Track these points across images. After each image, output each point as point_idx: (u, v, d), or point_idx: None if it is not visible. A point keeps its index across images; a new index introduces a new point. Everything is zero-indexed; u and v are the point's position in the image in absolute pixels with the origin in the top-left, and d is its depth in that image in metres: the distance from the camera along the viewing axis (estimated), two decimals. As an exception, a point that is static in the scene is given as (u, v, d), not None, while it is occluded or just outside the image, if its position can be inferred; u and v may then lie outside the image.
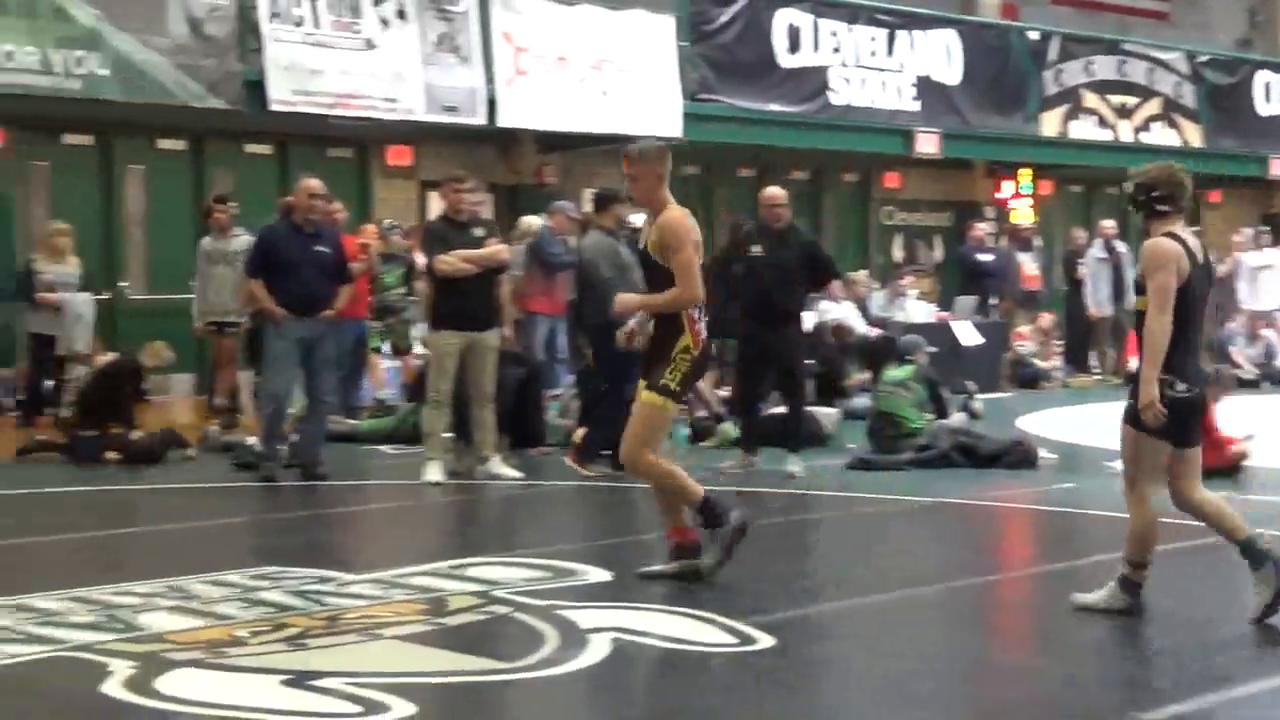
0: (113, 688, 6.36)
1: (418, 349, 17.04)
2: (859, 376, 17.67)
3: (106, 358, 15.37)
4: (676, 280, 8.50)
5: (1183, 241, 7.65)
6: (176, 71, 17.54)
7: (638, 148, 8.84)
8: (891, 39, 23.96)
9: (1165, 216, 7.73)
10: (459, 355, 12.70)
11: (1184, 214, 7.79)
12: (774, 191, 13.71)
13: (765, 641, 7.16)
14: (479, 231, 12.90)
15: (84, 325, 16.24)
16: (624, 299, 8.88)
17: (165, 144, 20.22)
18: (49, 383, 16.53)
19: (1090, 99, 26.45)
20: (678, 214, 8.66)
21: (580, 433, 13.62)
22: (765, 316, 13.24)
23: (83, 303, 16.29)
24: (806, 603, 8.27)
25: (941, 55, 24.59)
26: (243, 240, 15.47)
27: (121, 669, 6.60)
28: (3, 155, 18.91)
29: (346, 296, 13.46)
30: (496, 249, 12.87)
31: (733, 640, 7.23)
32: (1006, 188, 26.54)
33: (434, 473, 12.60)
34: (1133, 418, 7.61)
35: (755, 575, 9.18)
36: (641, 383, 8.58)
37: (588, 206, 16.50)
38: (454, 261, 12.56)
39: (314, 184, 13.06)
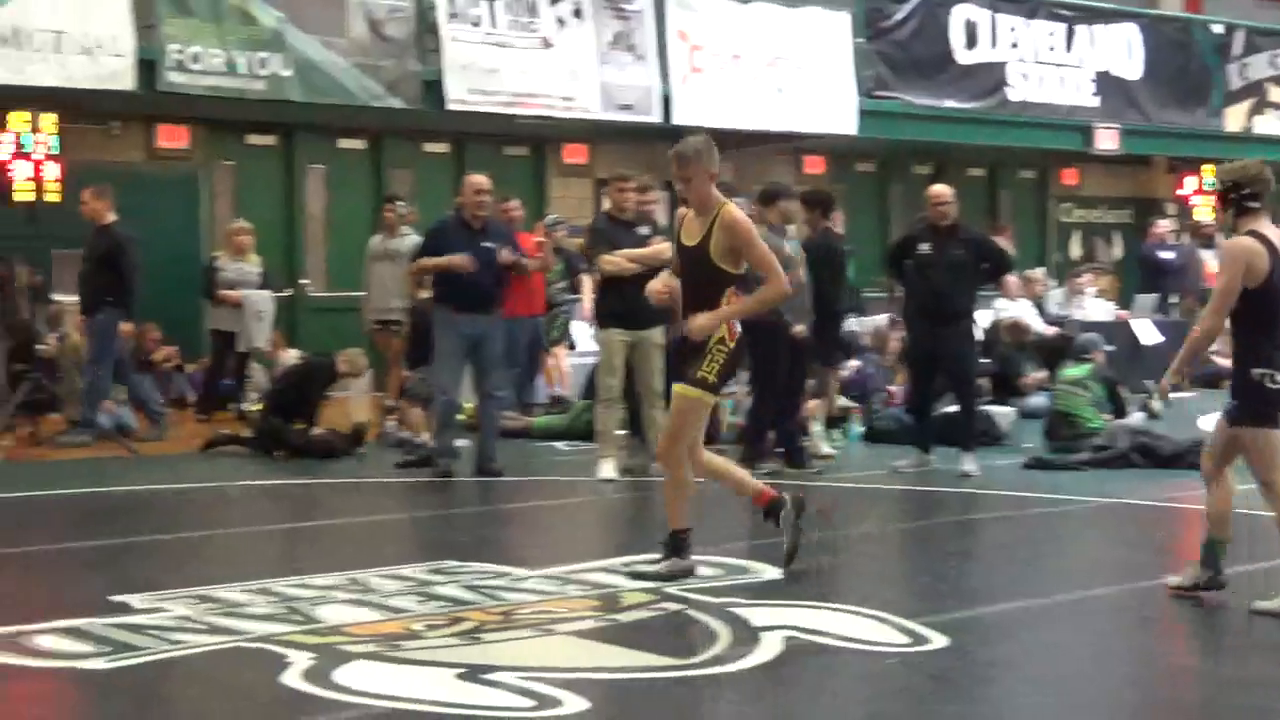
0: (291, 678, 6.47)
1: (584, 344, 17.17)
2: (1035, 375, 17.46)
3: (291, 354, 15.60)
4: (764, 276, 8.52)
5: (1265, 238, 7.82)
6: (356, 72, 17.79)
7: (690, 146, 8.70)
8: (1071, 34, 23.67)
9: (1253, 213, 7.93)
10: (626, 353, 12.75)
11: (1269, 210, 7.99)
12: (939, 189, 13.61)
13: (939, 642, 7.12)
14: (643, 230, 12.95)
15: (264, 322, 16.51)
16: (703, 323, 8.46)
17: (345, 143, 20.53)
18: (227, 380, 16.85)
19: (1276, 93, 25.94)
20: (737, 210, 8.60)
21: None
22: (934, 315, 13.16)
23: (263, 300, 16.57)
24: (981, 603, 8.20)
25: (1122, 49, 24.25)
26: (410, 240, 15.67)
27: (300, 660, 6.71)
28: (189, 155, 19.31)
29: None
30: (660, 247, 12.87)
31: (906, 640, 7.19)
32: (1189, 184, 26.12)
33: (607, 470, 12.65)
34: (1235, 418, 7.94)
35: (929, 575, 9.16)
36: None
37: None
38: (618, 261, 12.61)
39: (479, 180, 13.14)
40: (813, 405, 14.20)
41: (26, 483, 12.48)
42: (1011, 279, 19.73)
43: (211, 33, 16.84)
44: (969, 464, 13.02)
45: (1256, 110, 25.72)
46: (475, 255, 12.82)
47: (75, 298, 17.12)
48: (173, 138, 19.18)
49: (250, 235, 17.10)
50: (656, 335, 12.78)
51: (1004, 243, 16.85)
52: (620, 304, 12.66)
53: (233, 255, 16.87)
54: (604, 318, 12.87)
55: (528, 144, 21.65)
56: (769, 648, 7.00)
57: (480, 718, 5.98)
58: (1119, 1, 25.10)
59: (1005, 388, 17.28)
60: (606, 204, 13.52)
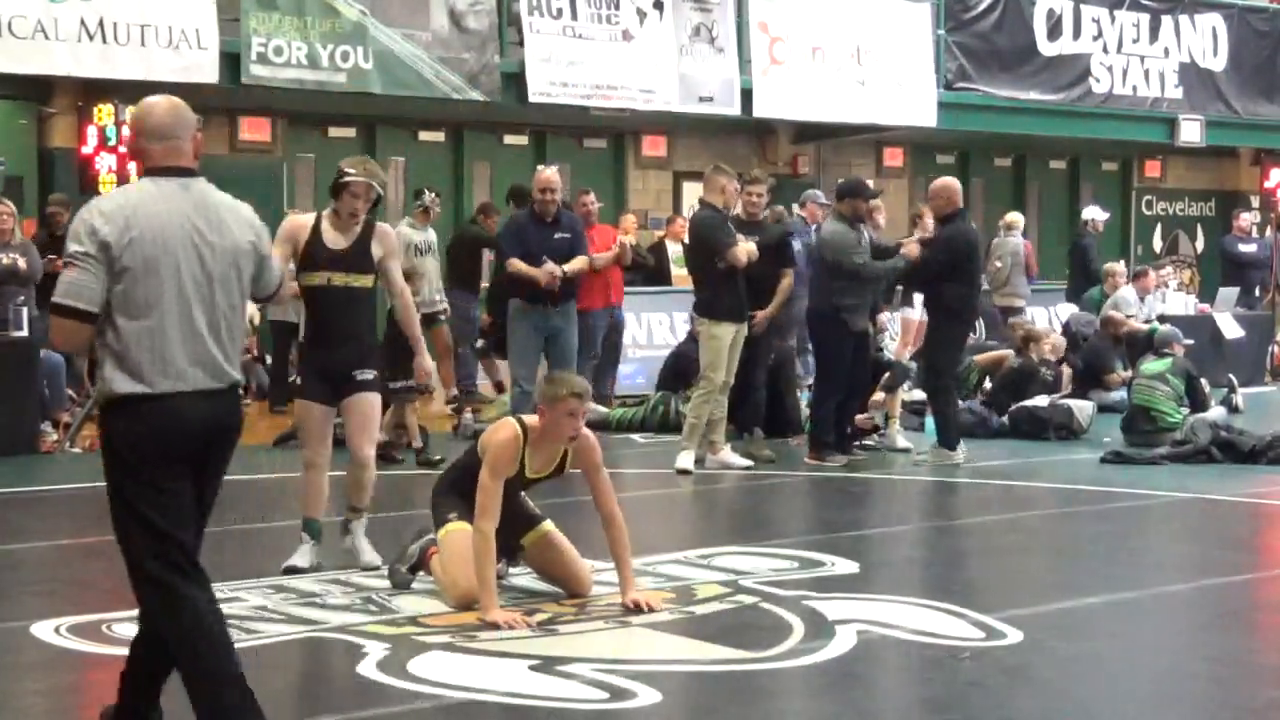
0: (367, 668, 6.53)
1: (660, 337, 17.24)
2: (1123, 374, 17.19)
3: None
4: None
5: None
6: (437, 64, 17.87)
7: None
8: (1155, 24, 23.45)
9: None
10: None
11: None
12: (933, 184, 13.72)
13: (1014, 636, 7.10)
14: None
15: None
16: None
17: (426, 136, 20.64)
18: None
19: (1364, 85, 25.59)
20: None
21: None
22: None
23: None
24: (1057, 598, 8.17)
25: (1207, 40, 24.02)
26: (432, 233, 15.88)
27: (376, 650, 6.78)
28: (271, 148, 19.46)
29: (578, 265, 13.50)
30: (749, 246, 12.90)
31: (980, 634, 7.17)
32: (1275, 175, 25.83)
33: (686, 461, 12.64)
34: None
35: (1005, 569, 9.13)
36: None
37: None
38: (754, 249, 12.65)
39: (547, 179, 13.25)
40: (889, 398, 14.19)
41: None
42: (1117, 268, 19.61)
43: (294, 26, 16.97)
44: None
45: (1344, 102, 25.38)
46: (547, 249, 12.92)
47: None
48: (255, 130, 19.33)
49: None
50: (745, 328, 12.84)
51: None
52: (736, 297, 12.68)
53: None
54: (721, 311, 12.75)
55: (607, 136, 21.69)
56: (843, 641, 7.01)
57: (554, 709, 6.02)
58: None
59: (1092, 381, 17.13)
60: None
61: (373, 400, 8.56)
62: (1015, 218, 20.15)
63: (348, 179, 8.45)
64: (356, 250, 8.47)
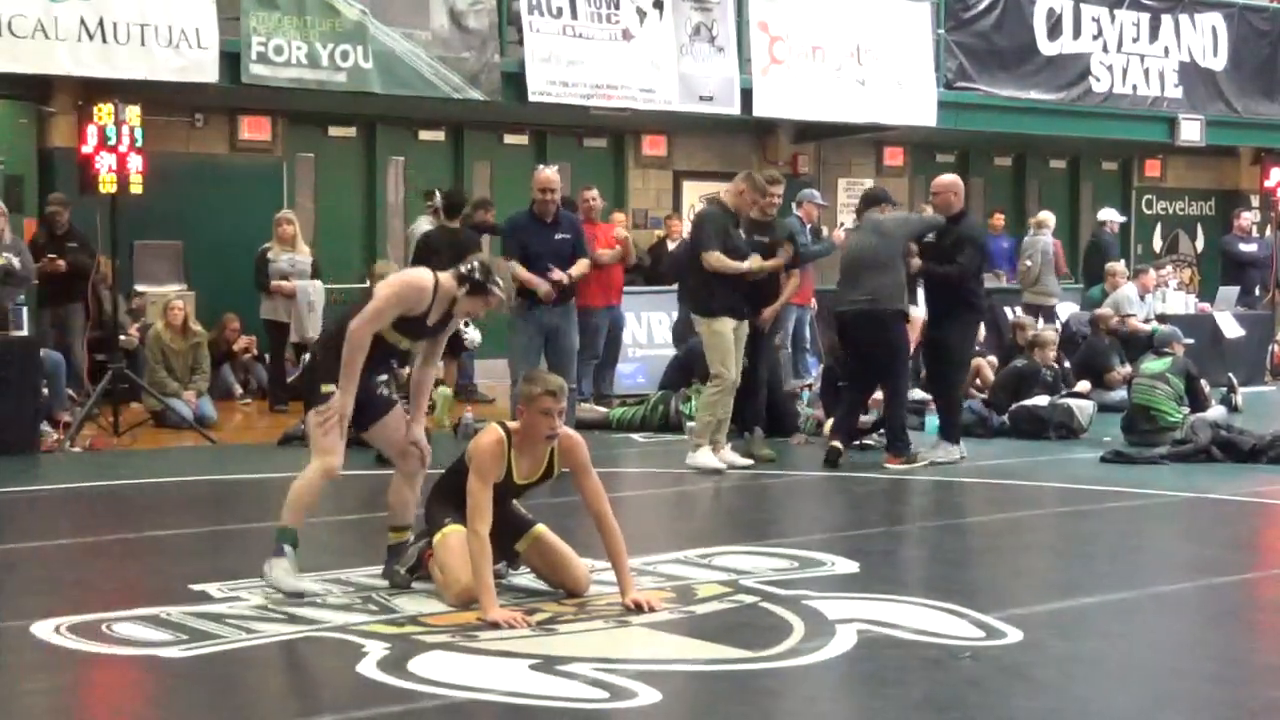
0: (367, 668, 6.51)
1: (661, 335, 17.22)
2: (1122, 371, 17.19)
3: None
4: None
5: None
6: (437, 64, 17.88)
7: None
8: (1156, 23, 23.46)
9: None
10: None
11: None
12: (940, 180, 13.72)
13: (1014, 636, 7.09)
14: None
15: (315, 312, 16.44)
16: None
17: (426, 135, 20.64)
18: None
19: (1364, 84, 25.59)
20: None
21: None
22: None
23: (315, 289, 16.47)
24: (1056, 597, 8.16)
25: (1207, 39, 24.01)
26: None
27: (376, 649, 6.76)
28: (271, 148, 19.46)
29: (582, 269, 13.47)
30: (753, 265, 12.90)
31: (980, 634, 7.16)
32: (1275, 175, 25.82)
33: (709, 458, 12.60)
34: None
35: (1006, 569, 9.13)
36: None
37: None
38: (766, 264, 12.71)
39: (546, 179, 13.23)
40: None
41: (108, 472, 12.62)
42: (1117, 267, 19.63)
43: (294, 25, 16.98)
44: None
45: (1344, 101, 25.38)
46: (548, 249, 12.97)
47: (159, 288, 17.30)
48: (255, 130, 19.34)
49: (295, 224, 17.00)
50: (745, 326, 12.84)
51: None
52: (733, 295, 12.70)
53: (281, 245, 16.77)
54: (717, 308, 12.77)
55: (607, 135, 21.69)
56: (843, 640, 6.99)
57: (554, 709, 6.01)
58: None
59: (1092, 380, 17.10)
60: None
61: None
62: (1046, 216, 20.25)
63: (496, 295, 8.27)
64: (439, 327, 8.30)
